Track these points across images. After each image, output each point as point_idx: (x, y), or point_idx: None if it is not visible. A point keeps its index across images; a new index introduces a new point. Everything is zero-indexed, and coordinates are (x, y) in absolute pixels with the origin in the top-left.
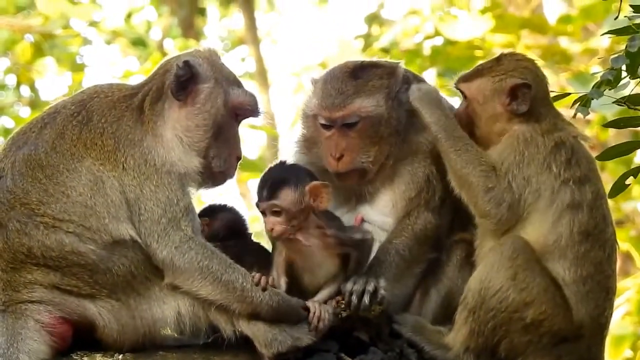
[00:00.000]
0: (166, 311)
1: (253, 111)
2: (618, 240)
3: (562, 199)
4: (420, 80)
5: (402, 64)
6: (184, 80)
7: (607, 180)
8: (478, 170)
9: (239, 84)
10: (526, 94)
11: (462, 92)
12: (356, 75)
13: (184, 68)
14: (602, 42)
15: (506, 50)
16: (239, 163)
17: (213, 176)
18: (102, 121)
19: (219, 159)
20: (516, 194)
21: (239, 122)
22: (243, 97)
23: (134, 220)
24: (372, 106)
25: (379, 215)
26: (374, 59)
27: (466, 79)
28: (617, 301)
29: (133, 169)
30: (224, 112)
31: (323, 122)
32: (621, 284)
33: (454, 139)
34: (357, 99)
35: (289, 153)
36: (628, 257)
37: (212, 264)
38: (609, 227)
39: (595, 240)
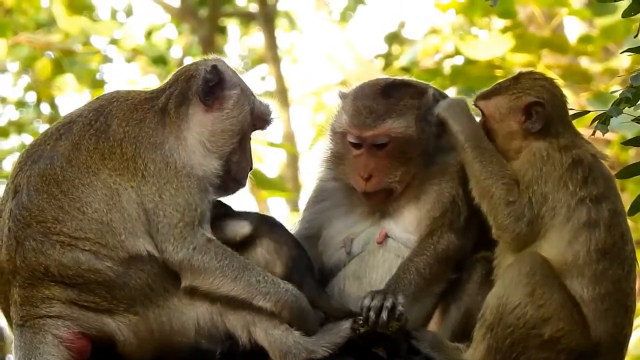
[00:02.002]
0: (185, 322)
1: (269, 122)
2: (638, 259)
3: (579, 217)
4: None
5: (432, 85)
6: (212, 85)
7: (628, 200)
8: (500, 183)
9: (255, 94)
10: (540, 113)
11: (480, 109)
12: (388, 94)
13: (212, 72)
14: (622, 62)
15: (525, 69)
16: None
17: (228, 183)
18: (122, 125)
19: (238, 165)
20: (536, 209)
21: (252, 132)
22: (264, 107)
23: (152, 229)
24: (402, 127)
25: (404, 233)
26: (405, 77)
27: (485, 96)
28: (636, 322)
29: (153, 174)
30: (250, 119)
31: (352, 140)
32: None
33: (480, 149)
34: (388, 119)
35: (313, 168)
36: None
37: (232, 262)
38: (628, 245)
39: (614, 258)
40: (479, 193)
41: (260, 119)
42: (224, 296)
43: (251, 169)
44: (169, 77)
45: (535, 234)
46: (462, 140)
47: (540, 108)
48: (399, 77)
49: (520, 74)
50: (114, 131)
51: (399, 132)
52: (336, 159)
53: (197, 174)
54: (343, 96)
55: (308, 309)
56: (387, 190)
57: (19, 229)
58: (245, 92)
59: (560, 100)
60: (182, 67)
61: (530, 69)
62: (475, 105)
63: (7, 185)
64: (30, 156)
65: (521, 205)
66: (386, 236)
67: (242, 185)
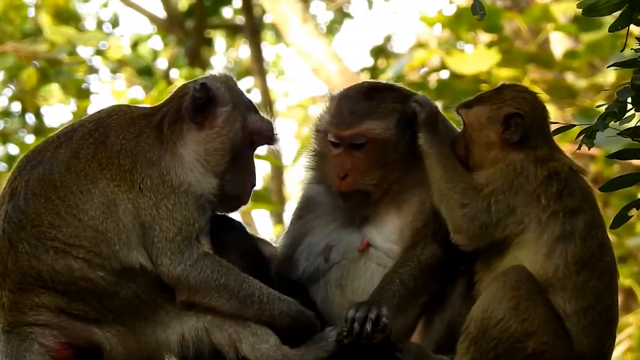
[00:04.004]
0: (170, 336)
1: (270, 138)
2: (621, 273)
3: (552, 230)
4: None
5: (419, 93)
6: (201, 103)
7: (611, 216)
8: (459, 187)
9: (255, 110)
10: (519, 124)
11: (461, 117)
12: (370, 96)
13: (201, 90)
14: (607, 77)
15: (509, 82)
16: (252, 190)
17: (227, 201)
18: (119, 137)
19: (233, 183)
20: (494, 217)
21: (254, 148)
22: (260, 123)
23: (147, 242)
24: (381, 129)
25: (386, 242)
26: (391, 82)
27: (466, 105)
28: (619, 337)
29: (150, 189)
30: (242, 136)
31: (332, 139)
32: (623, 320)
33: (443, 155)
34: (366, 120)
35: (300, 174)
36: (630, 293)
37: (229, 281)
38: (607, 256)
39: (593, 269)
40: (438, 197)
41: (258, 135)
42: (218, 312)
43: (254, 185)
44: (170, 94)
45: (490, 238)
46: (428, 147)
47: (519, 119)
48: (384, 81)
49: (503, 86)
50: (111, 142)
51: (376, 133)
52: (319, 159)
53: (195, 191)
54: (330, 98)
55: (306, 323)
56: (364, 193)
57: (14, 231)
58: (238, 109)
59: (540, 114)
60: (183, 84)
61: (513, 82)
62: (457, 113)
63: (3, 188)
64: (29, 161)
65: (476, 209)
66: (368, 244)
67: (243, 202)
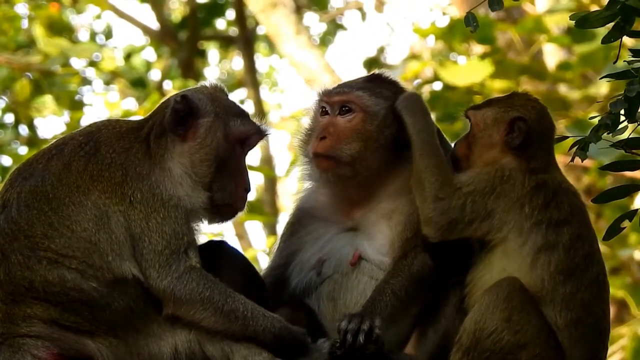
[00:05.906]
0: (163, 348)
1: (256, 135)
2: (613, 287)
3: (534, 240)
4: None
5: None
6: (182, 115)
7: (604, 227)
8: (434, 179)
9: (240, 115)
10: (522, 129)
11: (468, 118)
12: (370, 79)
13: (181, 102)
14: (600, 89)
15: (521, 91)
16: (247, 195)
17: (219, 210)
18: (110, 152)
19: (222, 192)
20: (467, 217)
21: (246, 152)
22: (243, 126)
23: (137, 254)
24: (371, 103)
25: (377, 255)
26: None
27: (476, 107)
28: (612, 349)
29: (140, 202)
30: (225, 145)
31: (323, 104)
32: (616, 331)
33: (427, 143)
34: (359, 92)
35: (292, 181)
36: (623, 304)
37: (214, 294)
38: (594, 267)
39: (579, 281)
40: (415, 183)
41: (244, 138)
42: (205, 328)
43: (248, 191)
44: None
45: (457, 234)
46: (412, 133)
47: (523, 124)
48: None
49: (514, 93)
50: (102, 155)
51: (365, 104)
52: (307, 138)
53: (185, 205)
54: None
55: (289, 337)
56: (336, 160)
57: (6, 242)
58: (220, 118)
59: (546, 126)
60: (167, 97)
61: (525, 91)
62: (466, 115)
63: None
64: (21, 174)
65: (449, 204)
66: (360, 257)
67: (238, 208)
